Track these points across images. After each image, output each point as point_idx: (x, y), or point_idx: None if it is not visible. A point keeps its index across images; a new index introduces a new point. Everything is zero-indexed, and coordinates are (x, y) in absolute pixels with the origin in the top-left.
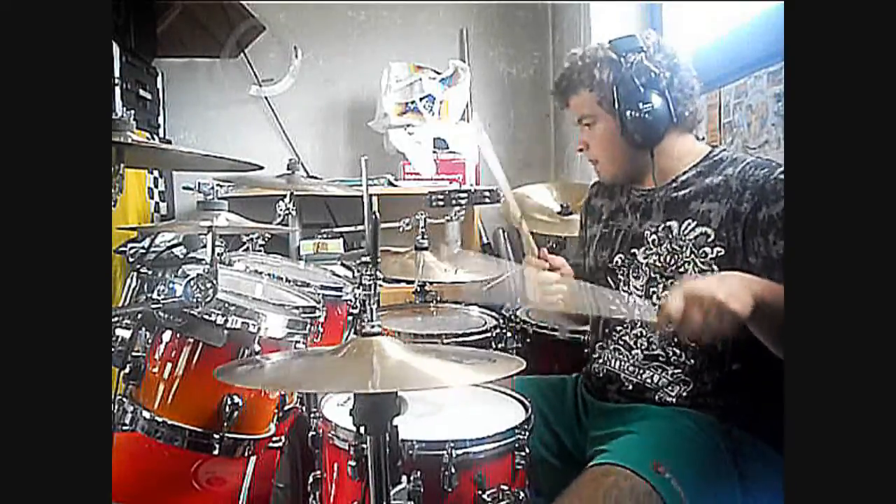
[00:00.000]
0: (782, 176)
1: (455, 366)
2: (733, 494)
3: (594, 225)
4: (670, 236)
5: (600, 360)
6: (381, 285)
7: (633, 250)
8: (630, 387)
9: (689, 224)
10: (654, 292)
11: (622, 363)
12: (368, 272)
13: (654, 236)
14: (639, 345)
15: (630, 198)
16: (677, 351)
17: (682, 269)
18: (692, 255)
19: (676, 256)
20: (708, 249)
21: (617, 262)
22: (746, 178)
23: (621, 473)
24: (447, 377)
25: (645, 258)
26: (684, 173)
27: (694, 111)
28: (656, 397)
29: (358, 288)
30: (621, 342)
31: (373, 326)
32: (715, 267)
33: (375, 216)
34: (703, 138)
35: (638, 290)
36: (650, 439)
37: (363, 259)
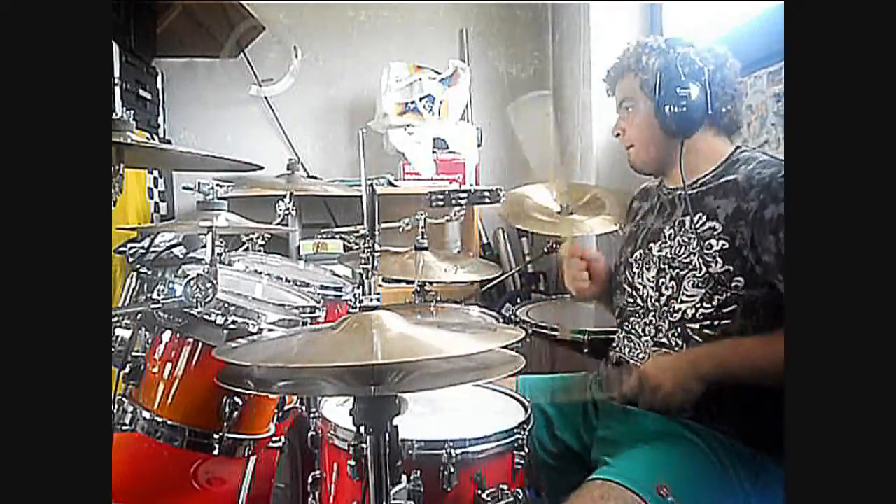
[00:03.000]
0: None
1: (457, 335)
2: None
3: (629, 224)
4: (683, 230)
5: (616, 348)
6: (380, 284)
7: (650, 245)
8: None
9: (700, 218)
10: (662, 283)
11: (634, 350)
12: (366, 244)
13: (670, 231)
14: (647, 332)
15: (660, 197)
16: (681, 341)
17: (687, 261)
18: (699, 247)
19: (684, 248)
20: (714, 242)
21: (636, 256)
22: (752, 177)
23: (622, 495)
24: (449, 346)
25: (659, 251)
26: (707, 174)
27: (732, 112)
28: None
29: (358, 287)
30: (633, 330)
31: (371, 300)
32: (719, 259)
33: (372, 188)
34: (744, 144)
35: (650, 281)
36: (655, 458)
37: (361, 232)
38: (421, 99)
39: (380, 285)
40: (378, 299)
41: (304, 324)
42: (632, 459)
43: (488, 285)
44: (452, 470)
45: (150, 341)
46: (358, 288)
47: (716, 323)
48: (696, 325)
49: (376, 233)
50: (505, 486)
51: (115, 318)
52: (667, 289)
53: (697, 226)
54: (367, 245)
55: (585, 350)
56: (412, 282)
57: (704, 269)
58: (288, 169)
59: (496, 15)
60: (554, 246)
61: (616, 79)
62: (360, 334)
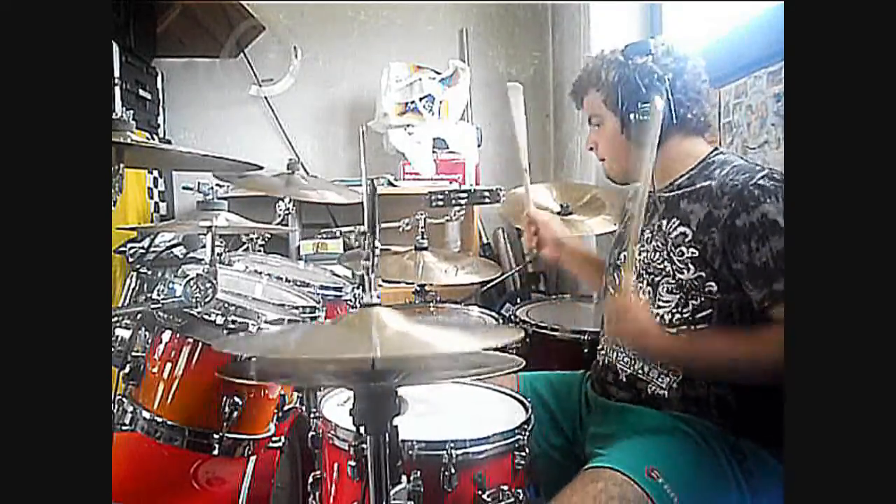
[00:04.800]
0: (762, 181)
1: (456, 333)
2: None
3: (619, 226)
4: (659, 234)
5: (602, 352)
6: (380, 285)
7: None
8: (625, 378)
9: (674, 223)
10: (640, 287)
11: (618, 354)
12: (367, 242)
13: (648, 234)
14: None
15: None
16: None
17: (661, 266)
18: (670, 254)
19: (658, 253)
20: (684, 249)
21: (622, 259)
22: (725, 183)
23: (613, 478)
24: (448, 344)
25: (638, 255)
26: (682, 175)
27: (699, 114)
28: (649, 390)
29: (358, 287)
30: None
31: (371, 297)
32: (690, 266)
33: (373, 184)
34: (714, 142)
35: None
36: (646, 444)
37: (362, 230)
38: (421, 99)
39: (380, 285)
40: (378, 297)
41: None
42: (623, 448)
43: (488, 285)
44: (453, 470)
45: (150, 341)
46: (358, 287)
47: (692, 328)
48: (674, 330)
49: (377, 230)
50: (505, 487)
51: (115, 318)
52: (644, 293)
53: (669, 231)
54: (367, 242)
55: (585, 350)
56: (412, 282)
57: (677, 276)
58: (288, 169)
59: (496, 15)
60: None
61: (581, 95)
62: (359, 330)
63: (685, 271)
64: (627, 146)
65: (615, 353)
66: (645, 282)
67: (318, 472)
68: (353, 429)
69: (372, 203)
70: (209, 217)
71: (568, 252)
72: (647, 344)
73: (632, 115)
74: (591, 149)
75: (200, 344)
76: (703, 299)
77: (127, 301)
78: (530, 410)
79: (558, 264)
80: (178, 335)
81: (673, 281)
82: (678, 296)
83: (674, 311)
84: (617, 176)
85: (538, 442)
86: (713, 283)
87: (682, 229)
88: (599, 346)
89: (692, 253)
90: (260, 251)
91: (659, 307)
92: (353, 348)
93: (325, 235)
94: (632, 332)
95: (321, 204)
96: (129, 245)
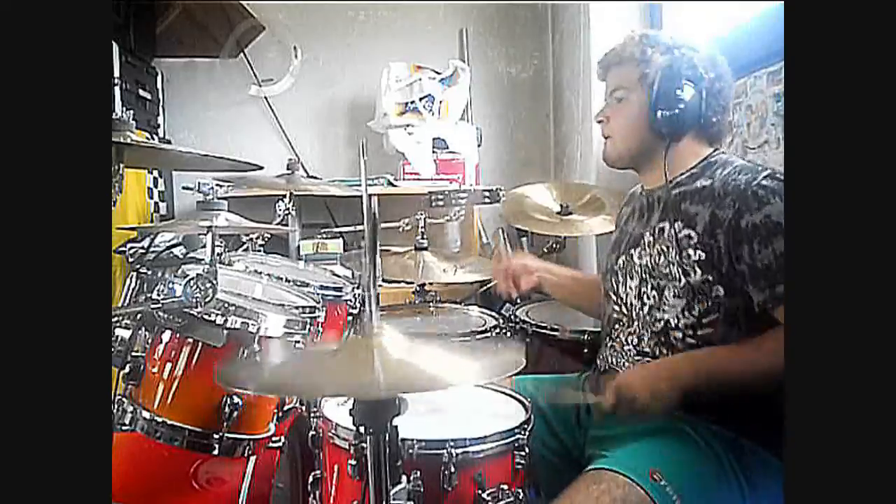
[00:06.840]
0: (766, 182)
1: (459, 358)
2: None
3: (616, 230)
4: (661, 237)
5: (601, 357)
6: (380, 285)
7: (631, 251)
8: None
9: (678, 226)
10: (644, 292)
11: (618, 359)
12: (368, 273)
13: (650, 237)
14: (630, 341)
15: (641, 201)
16: (664, 350)
17: (667, 270)
18: (677, 257)
19: (663, 257)
20: (691, 252)
21: (620, 263)
22: (728, 183)
23: (615, 480)
24: (452, 374)
25: (639, 259)
26: (681, 174)
27: (720, 123)
28: None
29: (358, 288)
30: (618, 340)
31: (374, 328)
32: (698, 269)
33: (374, 216)
34: (744, 144)
35: (632, 290)
36: (648, 446)
37: (363, 259)
38: (421, 99)
39: (380, 285)
40: (380, 329)
41: (305, 324)
42: (625, 450)
43: (488, 285)
44: (453, 470)
45: (150, 341)
46: (358, 287)
47: (698, 332)
48: (679, 335)
49: (377, 260)
50: (505, 486)
51: (115, 318)
52: (648, 298)
53: (675, 234)
54: (368, 274)
55: (585, 350)
56: (412, 282)
57: (684, 279)
58: (288, 169)
59: (496, 15)
60: (554, 246)
61: (612, 65)
62: (362, 358)
63: (692, 274)
64: (645, 130)
65: (615, 359)
66: (649, 286)
67: (318, 472)
68: (353, 428)
69: (373, 234)
70: (209, 217)
71: (545, 273)
72: (656, 386)
73: (663, 101)
74: (601, 121)
75: (200, 344)
76: (709, 303)
77: (127, 301)
78: (530, 410)
79: (548, 293)
80: (178, 335)
81: (680, 285)
82: (685, 300)
83: (679, 315)
84: (617, 158)
85: (534, 446)
86: (720, 287)
87: (687, 231)
88: (600, 351)
89: (699, 256)
90: (260, 251)
91: (664, 312)
92: (356, 382)
93: (325, 235)
94: (645, 394)
95: (321, 196)
96: (129, 245)
